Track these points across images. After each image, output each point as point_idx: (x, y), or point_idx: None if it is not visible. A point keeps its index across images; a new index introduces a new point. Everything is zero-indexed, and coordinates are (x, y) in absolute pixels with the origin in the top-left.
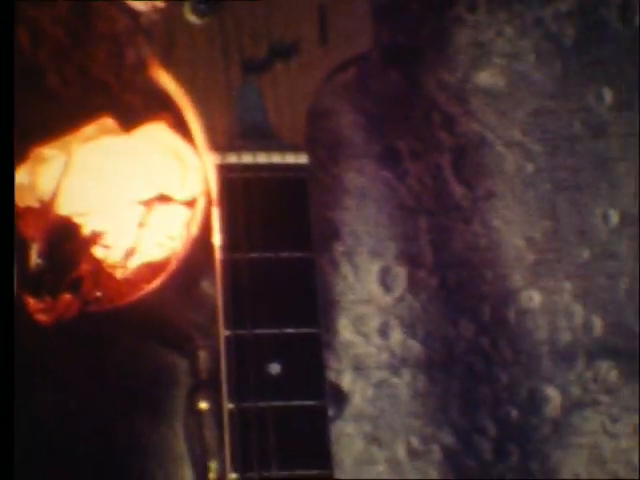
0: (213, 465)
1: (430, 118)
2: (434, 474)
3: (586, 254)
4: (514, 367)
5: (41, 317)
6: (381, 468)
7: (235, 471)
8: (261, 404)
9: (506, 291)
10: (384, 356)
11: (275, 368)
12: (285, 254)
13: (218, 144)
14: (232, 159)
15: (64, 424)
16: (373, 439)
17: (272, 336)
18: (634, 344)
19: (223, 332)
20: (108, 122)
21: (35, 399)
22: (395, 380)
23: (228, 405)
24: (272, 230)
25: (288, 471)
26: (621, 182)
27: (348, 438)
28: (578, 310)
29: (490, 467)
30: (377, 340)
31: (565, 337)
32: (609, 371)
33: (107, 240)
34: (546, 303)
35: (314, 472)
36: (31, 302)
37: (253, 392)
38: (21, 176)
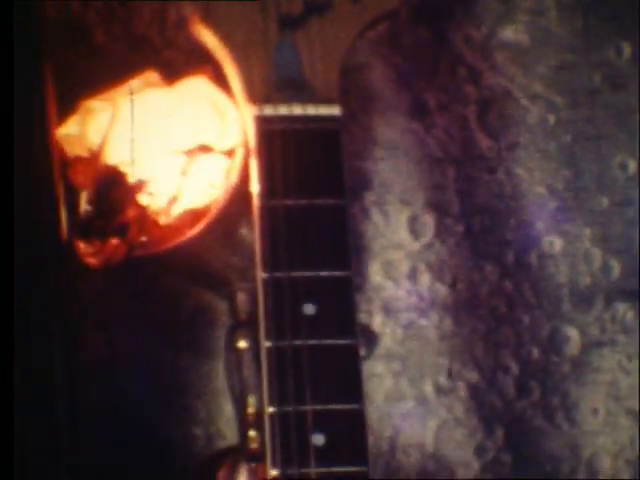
0: (251, 400)
1: (457, 72)
2: (459, 410)
3: (605, 202)
4: (536, 309)
5: (90, 260)
6: (410, 404)
7: (272, 405)
8: (296, 342)
9: (528, 237)
10: (413, 299)
11: (310, 309)
12: (319, 201)
13: (256, 97)
14: (269, 111)
15: (112, 362)
16: (402, 377)
17: (306, 278)
18: None
19: (260, 275)
20: (152, 76)
21: (84, 339)
22: (423, 322)
23: (265, 343)
24: (307, 178)
25: (322, 405)
26: (638, 133)
27: (378, 376)
28: (597, 255)
29: (512, 403)
30: (406, 284)
31: (584, 280)
32: (626, 312)
33: (151, 188)
34: (566, 248)
35: (346, 406)
36: (81, 246)
37: (289, 331)
38: (71, 127)
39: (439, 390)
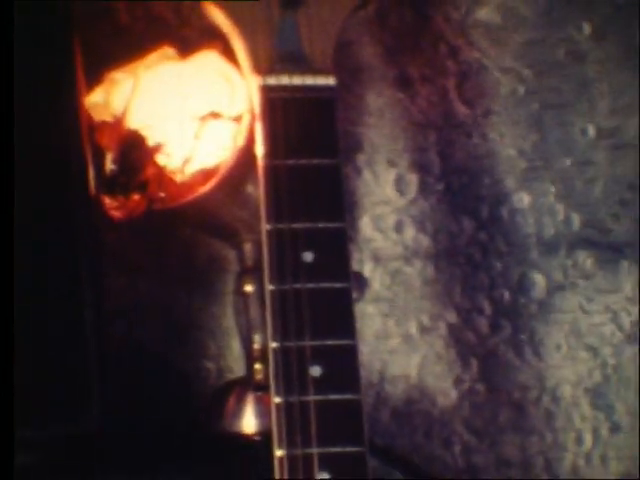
0: (257, 337)
1: (437, 48)
2: (440, 346)
3: (567, 162)
4: (506, 257)
5: (115, 214)
6: (396, 341)
7: (275, 341)
8: (297, 286)
9: (500, 193)
10: (399, 249)
11: (308, 257)
12: (316, 161)
13: (260, 68)
14: (272, 81)
15: (134, 304)
16: (389, 318)
17: (306, 230)
18: (607, 237)
19: (265, 226)
20: (168, 51)
21: (109, 284)
22: (408, 269)
23: (269, 287)
24: (305, 141)
25: (319, 341)
26: (597, 102)
27: (369, 317)
28: (560, 209)
29: (486, 340)
30: (393, 235)
31: (549, 231)
32: (586, 259)
33: (168, 150)
34: (534, 203)
35: (341, 342)
36: (107, 201)
37: (290, 276)
38: (97, 96)
39: (422, 329)
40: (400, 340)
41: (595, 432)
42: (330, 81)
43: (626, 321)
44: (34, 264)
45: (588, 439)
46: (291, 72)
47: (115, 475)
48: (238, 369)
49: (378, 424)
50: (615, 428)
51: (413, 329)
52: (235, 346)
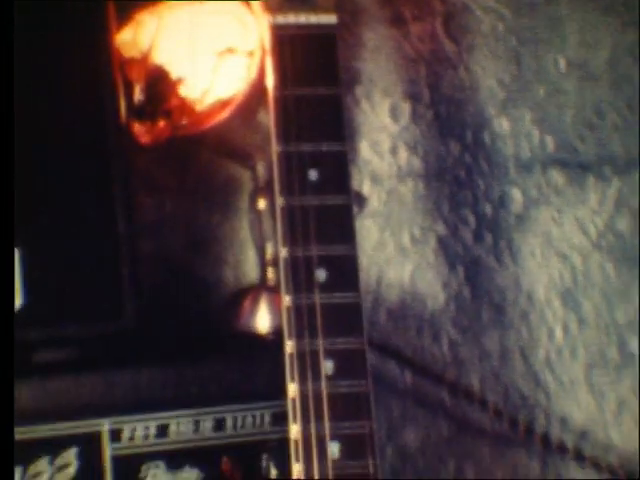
0: (269, 247)
1: None
2: (430, 255)
3: (541, 91)
4: (488, 176)
5: (143, 139)
6: (391, 252)
7: (285, 249)
8: (304, 202)
9: (483, 120)
10: (393, 170)
11: (314, 175)
12: (320, 90)
13: (270, 8)
14: (280, 20)
15: (160, 220)
16: (385, 231)
17: (311, 151)
18: (576, 157)
19: (275, 149)
20: None
21: (138, 202)
22: (401, 187)
23: (279, 203)
24: (311, 73)
25: (324, 249)
26: (568, 37)
27: (367, 230)
28: (535, 133)
29: (470, 249)
30: (388, 158)
31: (526, 153)
32: (557, 177)
33: (189, 82)
34: (512, 128)
35: (343, 250)
36: (135, 127)
37: (298, 193)
38: (126, 34)
39: (414, 241)
40: (395, 250)
41: (565, 328)
42: (332, 19)
43: (592, 231)
44: (73, 183)
45: (559, 334)
46: (297, 11)
47: (144, 367)
48: (253, 276)
49: (375, 324)
50: (583, 325)
51: (406, 241)
52: (250, 255)
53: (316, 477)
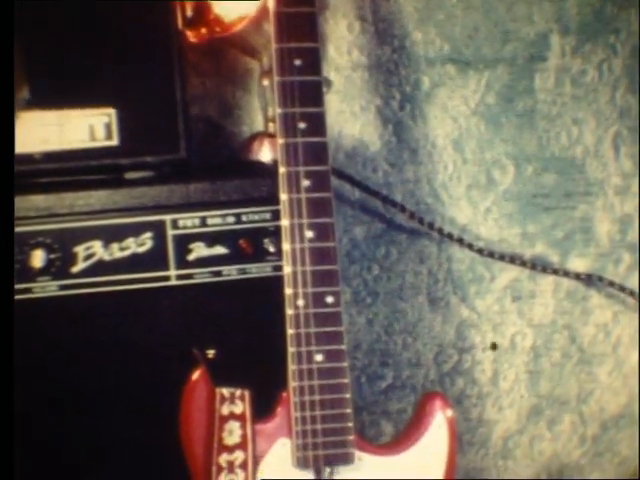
0: (270, 110)
1: None
2: (371, 118)
3: (443, 15)
4: (409, 67)
5: (192, 39)
6: (347, 115)
7: (280, 108)
8: (292, 80)
9: (405, 32)
10: (349, 63)
11: (298, 62)
12: (303, 9)
13: None
14: None
15: (202, 94)
16: (343, 103)
17: (297, 47)
18: (462, 57)
19: (275, 47)
20: None
21: (189, 81)
22: (354, 75)
23: (276, 79)
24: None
25: (305, 109)
26: None
27: (332, 101)
28: (437, 40)
29: (396, 114)
30: (346, 56)
31: (431, 53)
32: (451, 70)
33: (219, 6)
34: (423, 37)
35: (317, 109)
36: (187, 33)
37: (288, 74)
38: None
39: (361, 108)
40: (349, 115)
41: (454, 163)
42: None
43: (471, 103)
44: (151, 68)
45: (450, 167)
46: None
47: (191, 182)
48: (260, 127)
49: (336, 160)
50: (465, 162)
51: (356, 109)
52: (259, 115)
53: (297, 247)
